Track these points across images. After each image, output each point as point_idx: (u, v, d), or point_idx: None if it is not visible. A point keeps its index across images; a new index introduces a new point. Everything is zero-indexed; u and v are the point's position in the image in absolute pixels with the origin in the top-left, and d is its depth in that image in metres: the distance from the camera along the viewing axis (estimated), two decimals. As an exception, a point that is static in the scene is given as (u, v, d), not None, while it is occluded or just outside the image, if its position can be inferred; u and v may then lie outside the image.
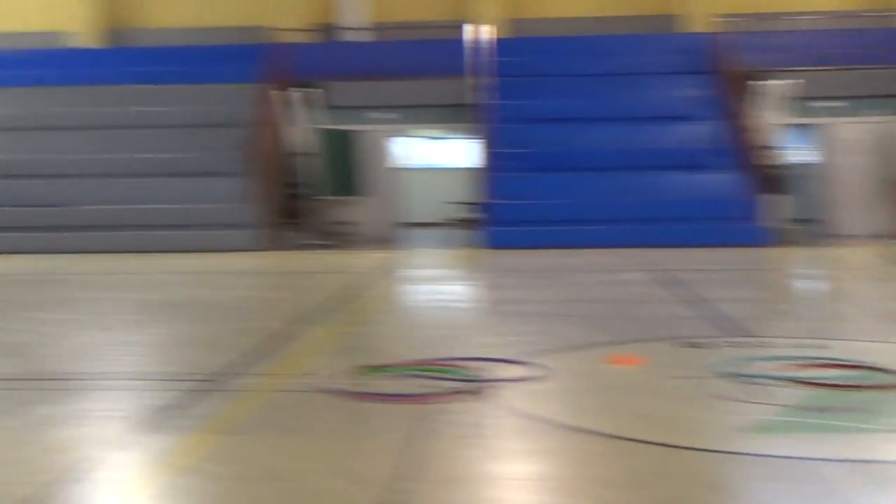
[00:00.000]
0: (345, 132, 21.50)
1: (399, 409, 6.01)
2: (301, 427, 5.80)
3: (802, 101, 20.73)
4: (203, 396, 6.57)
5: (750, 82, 20.15)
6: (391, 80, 22.20)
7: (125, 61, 23.26)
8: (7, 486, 4.82)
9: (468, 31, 22.23)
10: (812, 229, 20.87)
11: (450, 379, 6.63)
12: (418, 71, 21.67)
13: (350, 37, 24.16)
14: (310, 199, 20.26)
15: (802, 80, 20.14)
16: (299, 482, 4.64)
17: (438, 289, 13.51)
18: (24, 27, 23.65)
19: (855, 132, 21.73)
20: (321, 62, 22.39)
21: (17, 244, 18.23)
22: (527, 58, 22.58)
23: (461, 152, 24.37)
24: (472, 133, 21.39)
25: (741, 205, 18.75)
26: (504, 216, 18.60)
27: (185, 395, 6.56)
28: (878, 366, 6.66)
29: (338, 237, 19.96)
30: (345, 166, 21.28)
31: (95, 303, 11.79)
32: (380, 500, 4.37)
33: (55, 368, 7.71)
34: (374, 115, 22.51)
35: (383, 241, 20.40)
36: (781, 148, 20.20)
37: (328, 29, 24.29)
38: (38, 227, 18.99)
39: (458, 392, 6.30)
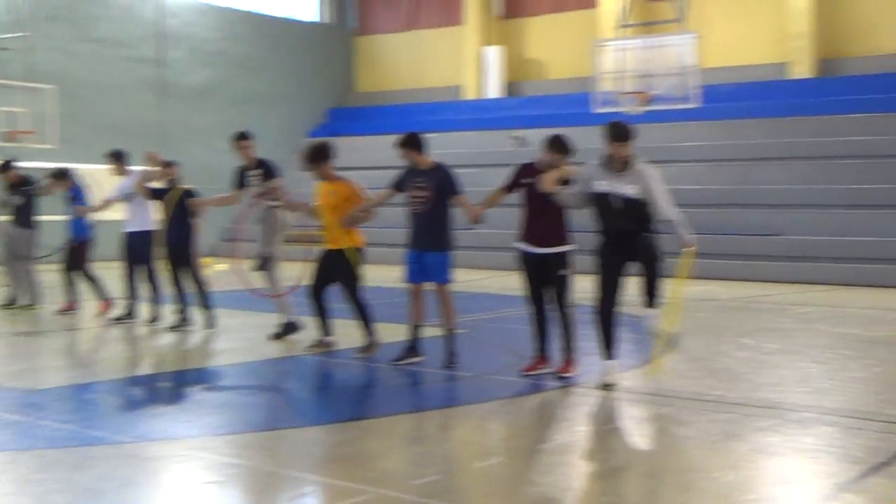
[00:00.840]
0: None
1: None
2: None
3: None
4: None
5: None
6: None
7: (835, 91, 22.88)
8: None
9: None
10: None
11: None
12: None
13: None
14: None
15: None
16: None
17: None
18: (748, 61, 24.32)
19: None
20: None
21: (721, 271, 18.78)
22: None
23: None
24: None
25: None
26: None
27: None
28: None
29: None
30: None
31: (797, 334, 11.67)
32: None
33: (769, 397, 7.72)
34: None
35: None
36: None
37: None
38: (742, 255, 19.40)
39: None
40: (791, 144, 21.58)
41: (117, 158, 12.40)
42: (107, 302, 12.59)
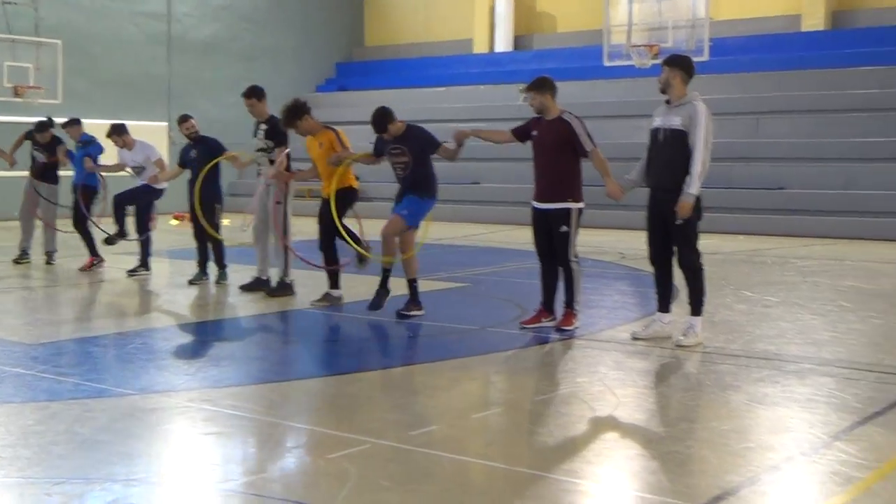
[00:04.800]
0: None
1: None
2: None
3: None
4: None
5: None
6: None
7: (846, 44, 22.65)
8: (735, 458, 4.96)
9: None
10: None
11: None
12: None
13: None
14: None
15: None
16: None
17: None
18: (760, 13, 24.07)
19: None
20: None
21: (727, 225, 18.73)
22: None
23: None
24: None
25: None
26: None
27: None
28: None
29: None
30: None
31: (799, 287, 11.68)
32: None
33: (767, 348, 7.77)
34: None
35: None
36: None
37: None
38: (751, 209, 19.37)
39: None
40: (798, 97, 21.46)
41: (120, 132, 12.27)
42: (91, 259, 12.63)
